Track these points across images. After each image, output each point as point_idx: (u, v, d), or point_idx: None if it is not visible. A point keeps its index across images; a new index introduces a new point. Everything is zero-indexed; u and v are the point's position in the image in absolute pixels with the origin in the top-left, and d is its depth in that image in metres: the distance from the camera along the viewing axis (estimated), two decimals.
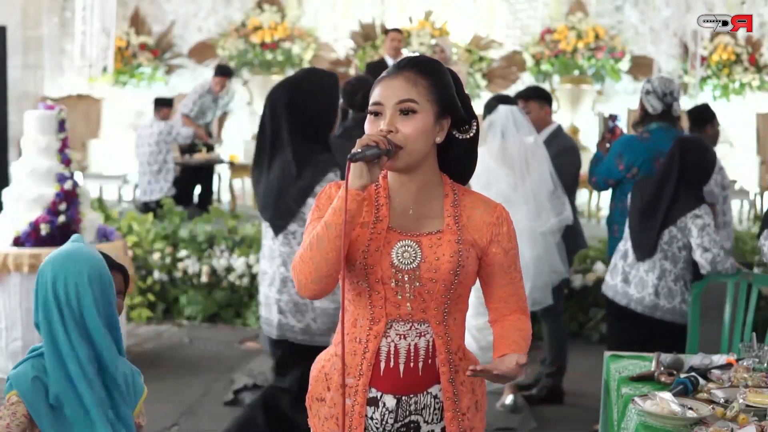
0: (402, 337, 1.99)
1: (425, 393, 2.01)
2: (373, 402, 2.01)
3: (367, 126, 1.99)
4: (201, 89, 8.81)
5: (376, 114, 1.97)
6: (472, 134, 2.05)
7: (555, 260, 4.67)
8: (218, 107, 8.99)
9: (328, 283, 1.93)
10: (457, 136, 2.04)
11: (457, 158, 2.07)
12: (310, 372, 2.13)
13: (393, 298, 1.98)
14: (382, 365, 1.99)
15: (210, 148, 8.95)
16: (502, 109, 4.64)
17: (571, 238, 4.95)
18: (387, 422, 2.01)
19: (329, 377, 2.06)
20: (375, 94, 1.98)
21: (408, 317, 1.99)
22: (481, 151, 4.80)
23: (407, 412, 2.01)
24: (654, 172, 4.28)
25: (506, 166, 4.54)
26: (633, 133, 4.75)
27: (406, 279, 1.97)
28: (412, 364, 1.99)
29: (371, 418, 2.01)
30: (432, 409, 2.02)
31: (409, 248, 1.98)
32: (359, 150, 1.87)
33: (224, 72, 8.78)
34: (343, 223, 1.88)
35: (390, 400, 2.00)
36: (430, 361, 2.00)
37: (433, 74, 1.98)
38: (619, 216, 4.54)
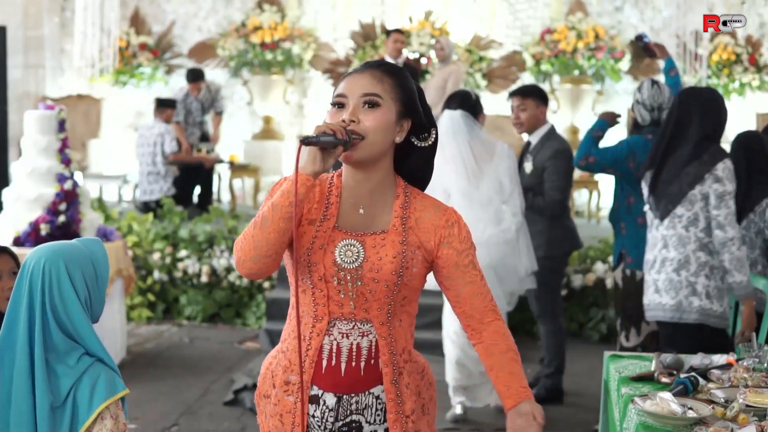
0: (344, 335, 1.99)
1: (367, 393, 2.01)
2: (314, 399, 2.01)
3: (328, 117, 2.00)
4: (181, 93, 8.85)
5: (340, 106, 1.99)
6: (430, 142, 2.07)
7: (516, 264, 4.57)
8: (205, 108, 8.99)
9: (266, 263, 1.92)
10: (416, 143, 2.06)
11: (416, 166, 2.09)
12: (261, 369, 2.14)
13: (335, 296, 1.98)
14: (324, 363, 1.99)
15: (209, 150, 8.95)
16: (445, 114, 4.59)
17: (567, 240, 4.94)
18: (327, 420, 2.01)
19: (275, 374, 2.07)
20: (339, 88, 2.00)
21: (350, 316, 1.99)
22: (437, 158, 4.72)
23: (348, 411, 2.01)
24: None
25: (457, 174, 4.46)
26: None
27: (348, 278, 1.97)
28: (353, 363, 2.00)
29: (312, 416, 2.01)
30: (374, 410, 2.02)
31: (352, 247, 1.98)
32: (314, 135, 1.88)
33: (195, 77, 8.80)
34: (293, 206, 1.89)
35: (330, 399, 2.00)
36: (372, 361, 2.00)
37: (398, 75, 2.02)
38: (625, 214, 4.51)
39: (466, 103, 4.65)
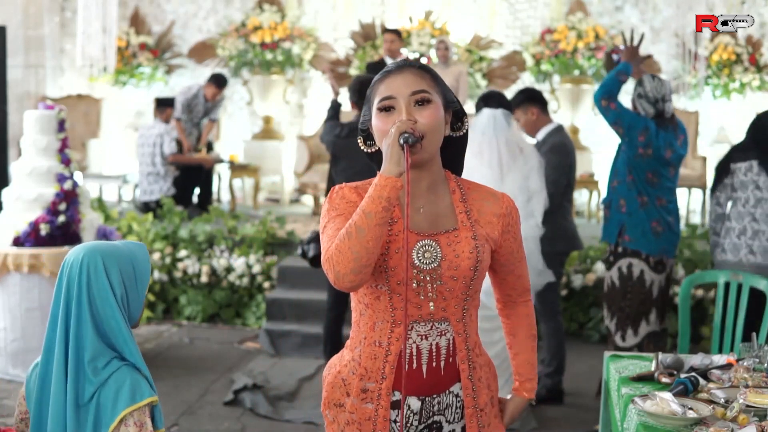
0: (423, 337, 1.98)
1: (447, 392, 2.01)
2: (396, 405, 1.99)
3: (379, 123, 1.96)
4: (189, 92, 8.76)
5: (388, 109, 1.95)
6: (464, 131, 2.08)
7: (536, 263, 4.63)
8: (207, 112, 8.96)
9: (366, 273, 1.88)
10: (451, 134, 2.06)
11: (452, 157, 2.09)
12: (324, 377, 2.11)
13: (415, 299, 1.96)
14: (405, 367, 1.97)
15: (209, 150, 8.94)
16: (485, 113, 4.62)
17: (563, 240, 4.93)
18: (411, 424, 2.00)
19: (347, 382, 2.03)
20: (383, 90, 1.96)
21: (429, 317, 1.98)
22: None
23: (431, 413, 2.01)
24: (662, 160, 4.36)
25: (484, 166, 4.53)
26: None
27: (428, 279, 1.96)
28: (434, 364, 1.99)
29: (395, 422, 1.99)
30: (454, 408, 2.03)
31: (430, 248, 1.97)
32: (406, 134, 1.86)
33: (222, 83, 8.75)
34: (406, 213, 1.88)
35: (415, 402, 1.99)
36: (451, 359, 2.00)
37: (431, 71, 2.01)
38: (626, 191, 4.49)
39: (504, 102, 4.71)
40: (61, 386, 2.02)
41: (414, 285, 1.96)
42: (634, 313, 4.47)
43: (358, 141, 2.08)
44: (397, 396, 1.99)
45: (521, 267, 2.15)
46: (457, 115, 2.05)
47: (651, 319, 4.47)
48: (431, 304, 1.97)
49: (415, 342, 1.98)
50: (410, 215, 1.98)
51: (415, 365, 1.97)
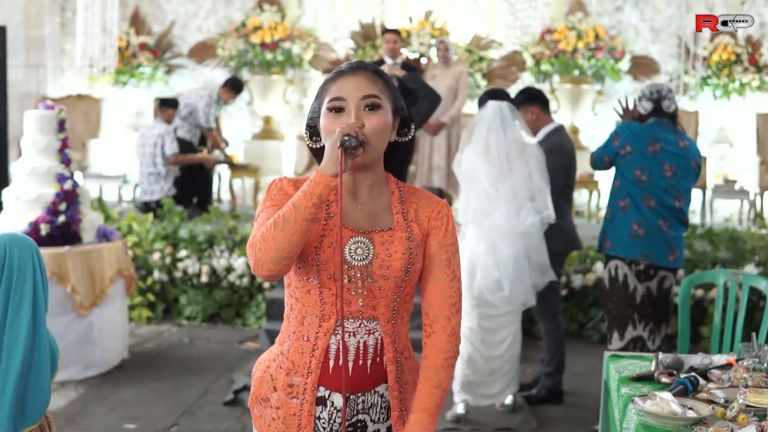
0: (351, 334, 1.99)
1: (372, 392, 2.01)
2: (321, 401, 2.00)
3: (327, 122, 1.97)
4: (208, 98, 8.70)
5: (338, 110, 1.97)
6: (410, 137, 2.10)
7: (541, 260, 4.64)
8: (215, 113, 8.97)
9: (286, 265, 1.90)
10: (398, 140, 2.08)
11: (398, 161, 2.11)
12: (253, 373, 2.11)
13: (345, 294, 1.98)
14: (331, 363, 1.98)
15: (214, 149, 8.95)
16: (491, 104, 4.64)
17: (561, 240, 4.93)
18: (335, 421, 2.00)
19: (274, 377, 2.04)
20: (334, 90, 1.98)
21: (358, 314, 1.98)
22: (469, 148, 4.82)
23: (355, 411, 2.01)
24: (646, 153, 4.34)
25: (489, 163, 4.55)
26: None
27: (358, 275, 1.97)
28: (360, 362, 1.99)
29: (319, 418, 2.00)
30: (379, 408, 2.02)
31: (362, 245, 1.98)
32: (346, 138, 1.88)
33: (237, 88, 8.75)
34: (340, 215, 1.90)
35: (338, 399, 1.99)
36: (378, 359, 2.00)
37: (384, 75, 2.03)
38: (611, 197, 4.52)
39: (507, 98, 4.77)
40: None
41: (345, 280, 1.97)
42: (620, 317, 4.43)
43: (304, 136, 2.10)
44: (322, 391, 2.00)
45: (444, 283, 2.02)
46: (404, 122, 2.08)
47: (636, 324, 4.43)
48: (360, 300, 1.98)
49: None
50: (349, 212, 2.01)
51: (341, 361, 1.98)
